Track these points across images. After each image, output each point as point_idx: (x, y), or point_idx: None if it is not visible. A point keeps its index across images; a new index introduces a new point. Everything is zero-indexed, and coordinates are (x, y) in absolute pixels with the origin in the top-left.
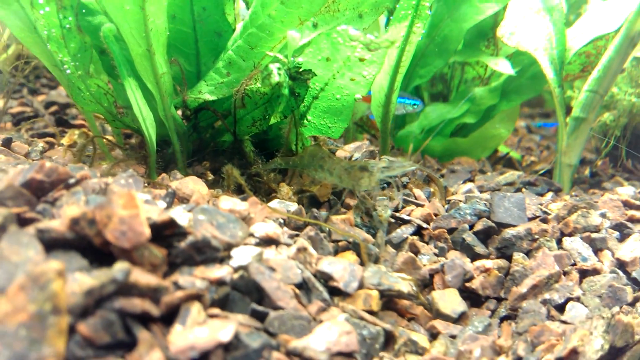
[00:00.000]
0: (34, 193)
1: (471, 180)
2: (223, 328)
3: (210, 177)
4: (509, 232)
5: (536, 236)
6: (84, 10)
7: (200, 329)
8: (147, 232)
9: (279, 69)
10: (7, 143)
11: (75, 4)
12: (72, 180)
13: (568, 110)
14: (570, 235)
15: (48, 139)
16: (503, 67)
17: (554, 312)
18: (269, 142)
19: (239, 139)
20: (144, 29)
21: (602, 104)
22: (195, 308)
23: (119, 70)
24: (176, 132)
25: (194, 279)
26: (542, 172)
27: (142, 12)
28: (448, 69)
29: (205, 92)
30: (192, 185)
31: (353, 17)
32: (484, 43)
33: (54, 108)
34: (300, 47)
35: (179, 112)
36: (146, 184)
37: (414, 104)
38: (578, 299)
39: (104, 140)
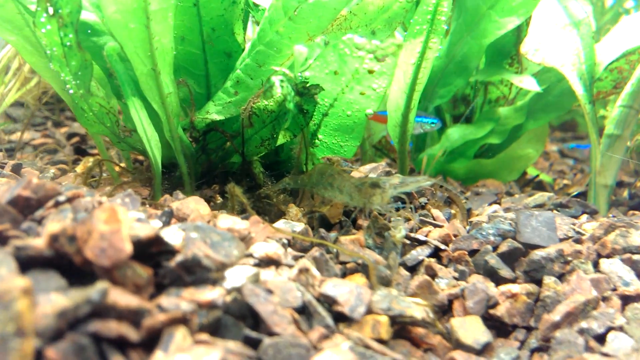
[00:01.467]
0: (21, 211)
1: (497, 202)
2: (207, 355)
3: (220, 200)
4: (537, 254)
5: (569, 258)
6: (89, 31)
7: (182, 356)
8: (127, 248)
9: (281, 81)
10: (17, 169)
11: (75, 21)
12: (61, 198)
13: (601, 133)
14: (608, 257)
15: (61, 166)
16: (528, 83)
17: (592, 343)
18: (281, 164)
19: (248, 160)
20: (149, 47)
21: (638, 121)
22: (180, 333)
23: (122, 89)
24: (183, 154)
25: (180, 300)
26: (575, 194)
27: (147, 30)
28: (470, 90)
29: (212, 112)
30: (193, 205)
31: (366, 34)
32: (507, 61)
33: (75, 139)
34: (307, 60)
35: (188, 135)
36: (148, 205)
37: (432, 123)
38: (621, 329)
39: (115, 165)
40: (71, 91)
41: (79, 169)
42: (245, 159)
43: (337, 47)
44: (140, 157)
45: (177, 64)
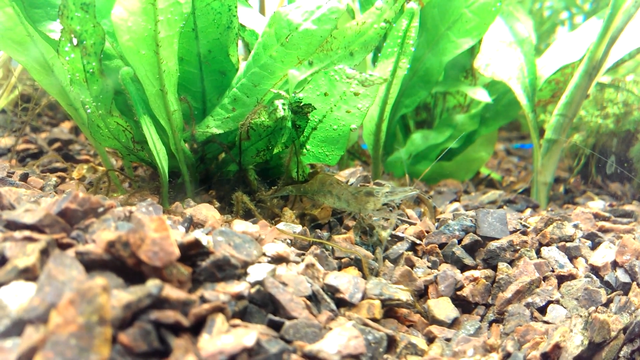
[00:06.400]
0: (68, 221)
1: (457, 200)
2: (247, 334)
3: (217, 204)
4: (493, 245)
5: (517, 247)
6: (101, 55)
7: (226, 336)
8: (176, 251)
9: (283, 104)
10: (25, 178)
11: (99, 52)
12: (101, 209)
13: (542, 132)
14: (547, 245)
15: (59, 173)
16: (481, 95)
17: (536, 314)
18: (270, 171)
19: (244, 168)
20: (157, 71)
21: (572, 126)
22: (220, 319)
23: (135, 108)
24: (185, 164)
25: (218, 293)
26: (520, 190)
27: (156, 56)
28: (431, 99)
29: (212, 126)
30: (205, 212)
31: (345, 55)
32: (463, 74)
33: (57, 145)
34: (300, 82)
35: (188, 146)
36: (164, 212)
37: None
38: (557, 302)
39: (115, 173)
40: (89, 110)
41: (75, 175)
42: (242, 167)
43: (328, 73)
44: (134, 164)
45: (177, 82)
